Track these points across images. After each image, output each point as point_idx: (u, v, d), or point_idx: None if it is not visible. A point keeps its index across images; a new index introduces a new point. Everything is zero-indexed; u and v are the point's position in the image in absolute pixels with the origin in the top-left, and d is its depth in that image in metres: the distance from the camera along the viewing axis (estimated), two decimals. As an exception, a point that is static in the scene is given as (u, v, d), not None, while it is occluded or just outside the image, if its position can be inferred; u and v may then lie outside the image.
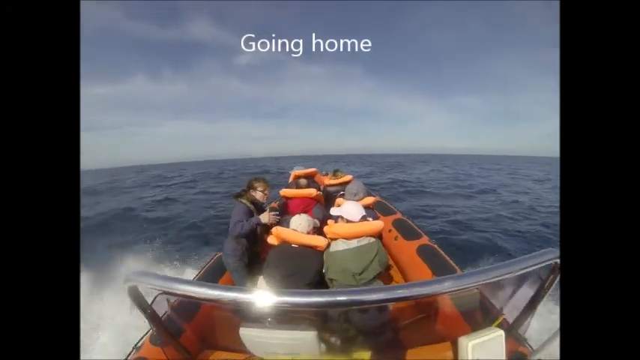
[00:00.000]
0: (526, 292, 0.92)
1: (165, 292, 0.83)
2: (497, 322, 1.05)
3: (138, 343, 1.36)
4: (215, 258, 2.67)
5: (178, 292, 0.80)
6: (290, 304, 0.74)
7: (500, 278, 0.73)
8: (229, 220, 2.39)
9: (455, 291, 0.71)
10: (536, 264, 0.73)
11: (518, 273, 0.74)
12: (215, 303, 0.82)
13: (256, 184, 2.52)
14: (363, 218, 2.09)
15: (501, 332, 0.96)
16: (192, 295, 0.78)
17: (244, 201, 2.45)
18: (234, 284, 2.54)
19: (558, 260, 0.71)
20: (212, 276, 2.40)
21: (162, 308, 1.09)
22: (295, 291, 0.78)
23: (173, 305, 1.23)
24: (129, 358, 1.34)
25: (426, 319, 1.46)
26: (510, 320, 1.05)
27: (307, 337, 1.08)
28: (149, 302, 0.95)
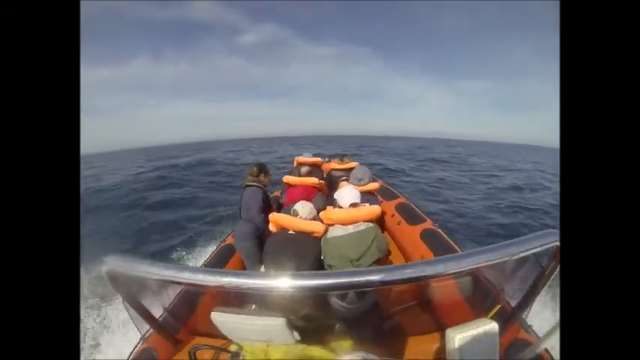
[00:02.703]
0: (527, 275, 0.87)
1: (143, 277, 0.82)
2: (493, 312, 0.99)
3: (145, 334, 1.32)
4: (222, 245, 2.72)
5: (154, 276, 0.79)
6: (261, 288, 0.72)
7: (501, 260, 0.69)
8: (241, 205, 2.63)
9: (450, 274, 0.68)
10: (538, 246, 0.69)
11: (519, 255, 0.70)
12: (192, 287, 0.81)
13: (266, 170, 2.75)
14: (352, 205, 2.06)
15: (494, 325, 0.88)
16: (168, 279, 0.78)
17: (261, 186, 2.65)
18: (247, 268, 2.64)
19: (558, 243, 0.67)
20: (219, 262, 2.46)
21: (150, 294, 1.09)
22: (272, 273, 0.76)
23: (155, 287, 1.22)
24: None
25: (414, 308, 1.39)
26: (512, 306, 0.98)
27: (276, 323, 1.03)
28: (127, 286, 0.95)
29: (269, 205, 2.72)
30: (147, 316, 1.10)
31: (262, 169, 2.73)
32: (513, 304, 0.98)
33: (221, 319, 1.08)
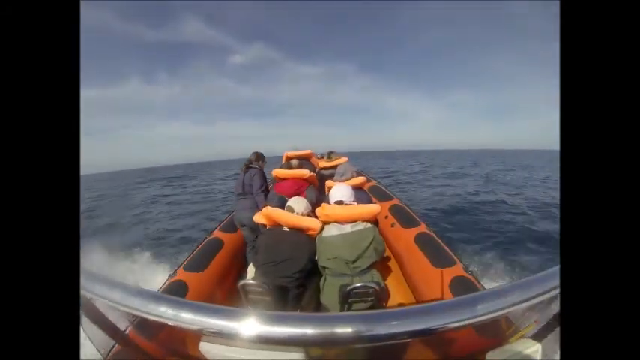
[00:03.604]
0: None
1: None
2: (518, 335, 0.88)
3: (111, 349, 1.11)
4: (208, 239, 2.73)
5: (122, 307, 0.60)
6: (279, 339, 0.51)
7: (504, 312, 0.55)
8: (243, 183, 2.96)
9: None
10: (539, 294, 0.57)
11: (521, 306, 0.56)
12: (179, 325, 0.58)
13: (263, 157, 3.15)
14: (337, 203, 2.00)
15: (537, 345, 0.78)
16: (137, 312, 0.59)
17: (259, 168, 3.04)
18: (247, 241, 2.77)
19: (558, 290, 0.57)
20: (204, 259, 2.43)
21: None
22: (283, 315, 0.54)
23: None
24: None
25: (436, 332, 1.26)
26: (533, 333, 0.86)
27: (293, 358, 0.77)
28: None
29: (266, 185, 3.04)
30: (121, 337, 0.89)
31: (259, 156, 3.14)
32: (536, 328, 0.85)
33: (213, 351, 0.81)
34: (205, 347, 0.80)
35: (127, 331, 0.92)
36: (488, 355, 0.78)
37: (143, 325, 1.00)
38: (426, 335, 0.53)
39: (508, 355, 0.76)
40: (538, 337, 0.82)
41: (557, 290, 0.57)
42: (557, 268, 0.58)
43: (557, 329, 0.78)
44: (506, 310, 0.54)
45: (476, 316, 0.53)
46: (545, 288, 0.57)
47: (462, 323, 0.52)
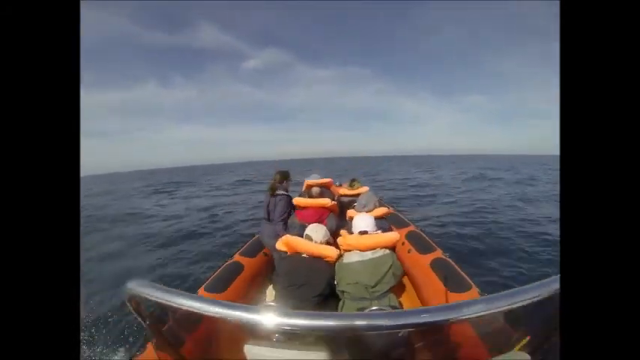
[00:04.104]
0: (551, 311, 0.80)
1: (163, 305, 0.83)
2: (519, 346, 0.93)
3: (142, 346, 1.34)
4: (229, 262, 2.77)
5: (178, 305, 0.80)
6: (298, 327, 0.73)
7: (500, 310, 0.67)
8: (269, 208, 3.01)
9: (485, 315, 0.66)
10: (537, 296, 0.67)
11: (519, 304, 0.66)
12: (216, 318, 0.79)
13: (287, 177, 3.14)
14: (361, 233, 2.08)
15: (528, 357, 0.84)
16: (192, 310, 0.79)
17: (286, 193, 3.03)
18: (274, 257, 2.76)
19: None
20: (224, 281, 2.48)
21: (165, 316, 1.09)
22: (306, 313, 0.77)
23: (177, 314, 1.18)
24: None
25: (439, 340, 1.37)
26: (533, 344, 0.91)
27: (317, 358, 1.02)
28: (150, 311, 0.95)
29: (291, 210, 3.06)
30: (166, 342, 1.09)
31: (284, 176, 3.11)
32: (535, 340, 0.91)
33: (255, 351, 1.06)
34: (250, 349, 1.04)
35: (160, 332, 1.10)
36: None
37: (176, 326, 1.22)
38: (415, 328, 0.70)
39: None
40: (540, 346, 0.87)
41: (558, 293, 0.62)
42: (557, 277, 0.64)
43: (557, 339, 0.81)
44: (498, 310, 0.67)
45: (468, 315, 0.66)
46: (543, 293, 0.66)
47: (457, 317, 0.66)
